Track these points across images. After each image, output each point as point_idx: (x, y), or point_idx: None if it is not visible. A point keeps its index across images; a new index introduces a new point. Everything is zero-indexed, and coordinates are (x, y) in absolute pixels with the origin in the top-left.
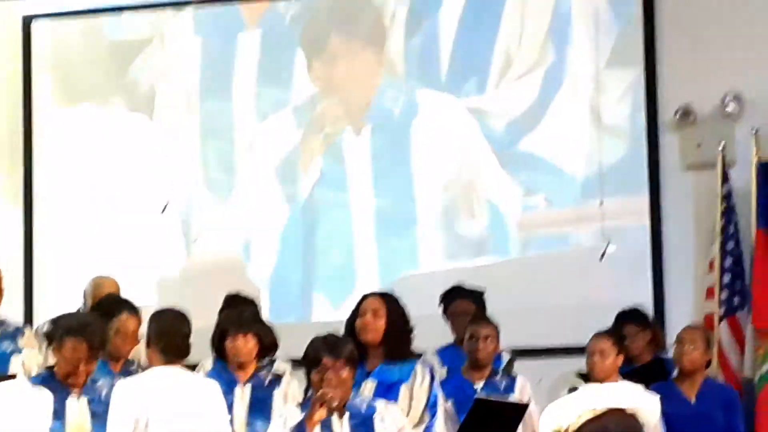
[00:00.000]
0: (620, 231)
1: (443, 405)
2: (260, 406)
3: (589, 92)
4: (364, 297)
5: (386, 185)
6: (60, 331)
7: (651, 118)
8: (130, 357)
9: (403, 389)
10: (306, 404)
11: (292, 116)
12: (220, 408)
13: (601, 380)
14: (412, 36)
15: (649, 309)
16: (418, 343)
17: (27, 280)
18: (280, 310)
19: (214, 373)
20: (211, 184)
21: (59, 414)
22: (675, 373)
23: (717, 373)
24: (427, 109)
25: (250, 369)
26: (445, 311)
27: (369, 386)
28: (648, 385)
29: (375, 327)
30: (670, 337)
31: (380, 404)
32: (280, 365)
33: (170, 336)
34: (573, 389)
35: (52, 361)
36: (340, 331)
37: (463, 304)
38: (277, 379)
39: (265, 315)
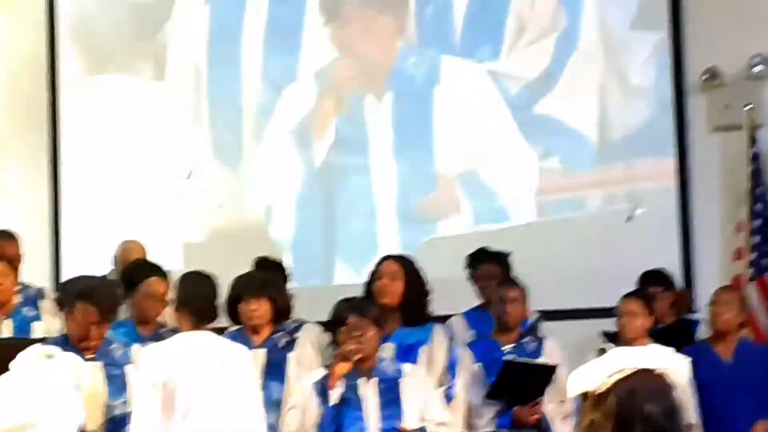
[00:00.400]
0: (647, 193)
1: (469, 367)
2: (275, 370)
3: (614, 55)
4: (382, 260)
5: (407, 151)
6: (70, 296)
7: (677, 81)
8: (159, 320)
9: (422, 351)
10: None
11: (312, 81)
12: (249, 372)
13: (630, 341)
14: (426, 2)
15: (676, 271)
16: (442, 307)
17: (54, 245)
18: (302, 273)
19: (229, 337)
20: (231, 150)
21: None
22: (709, 334)
23: (745, 334)
24: (448, 75)
25: (265, 333)
26: (471, 275)
27: (388, 349)
28: (673, 346)
29: (392, 290)
30: (699, 298)
31: (407, 368)
32: (308, 326)
33: (198, 300)
34: (602, 351)
35: None
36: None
37: (490, 267)
38: (292, 342)
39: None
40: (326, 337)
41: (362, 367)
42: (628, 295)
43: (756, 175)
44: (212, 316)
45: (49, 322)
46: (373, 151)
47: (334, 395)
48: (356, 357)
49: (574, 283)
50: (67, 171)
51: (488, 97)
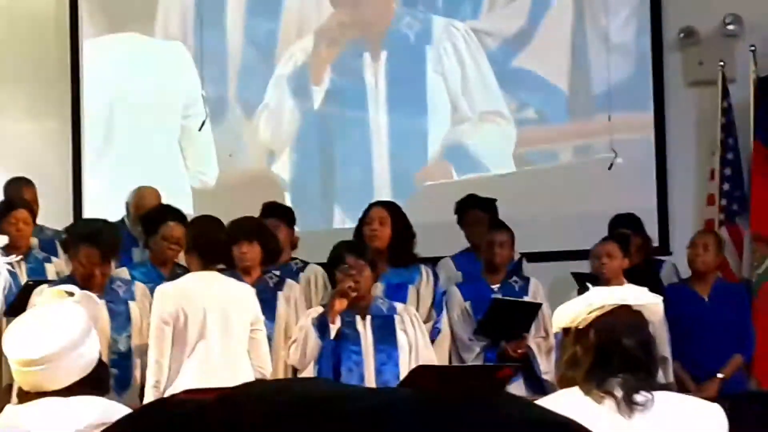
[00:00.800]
0: (627, 144)
1: (457, 305)
2: (266, 308)
3: (597, 14)
4: (370, 206)
5: (401, 105)
6: (74, 239)
7: (656, 39)
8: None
9: (411, 290)
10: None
11: (310, 36)
12: (253, 308)
13: (608, 281)
14: None
15: (653, 216)
16: (430, 250)
17: (76, 192)
18: (301, 217)
19: None
20: (237, 100)
21: None
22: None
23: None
24: (439, 34)
25: (256, 273)
26: (459, 220)
27: (378, 289)
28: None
29: (381, 234)
30: (674, 241)
31: (400, 307)
32: (312, 266)
33: (207, 242)
34: (583, 290)
35: None
36: None
37: (477, 213)
38: (281, 282)
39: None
40: (326, 277)
41: (358, 306)
42: (605, 239)
43: (728, 126)
44: (221, 257)
45: (60, 265)
46: (370, 105)
47: (334, 329)
48: (354, 294)
49: (559, 227)
50: (88, 122)
51: (474, 55)
